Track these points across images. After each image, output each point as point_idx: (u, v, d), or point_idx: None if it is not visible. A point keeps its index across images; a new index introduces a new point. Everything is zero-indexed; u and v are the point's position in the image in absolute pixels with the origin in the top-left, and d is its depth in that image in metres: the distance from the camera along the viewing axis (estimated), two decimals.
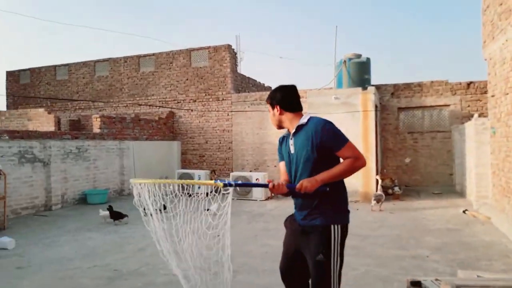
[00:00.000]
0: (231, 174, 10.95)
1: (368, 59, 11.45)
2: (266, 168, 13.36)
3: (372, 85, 10.98)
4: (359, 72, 11.28)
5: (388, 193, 11.06)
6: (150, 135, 13.45)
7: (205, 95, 14.28)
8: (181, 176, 11.42)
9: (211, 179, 11.36)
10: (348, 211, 2.70)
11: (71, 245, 6.20)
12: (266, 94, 13.54)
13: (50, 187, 9.20)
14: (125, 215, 7.76)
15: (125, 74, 15.48)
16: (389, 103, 12.58)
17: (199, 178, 11.13)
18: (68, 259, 5.45)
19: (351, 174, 2.56)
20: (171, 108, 14.53)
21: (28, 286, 4.42)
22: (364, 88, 10.40)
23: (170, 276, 4.69)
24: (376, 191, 9.43)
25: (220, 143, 14.17)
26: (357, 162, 2.54)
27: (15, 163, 8.48)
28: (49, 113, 12.35)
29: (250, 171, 13.36)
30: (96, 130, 11.17)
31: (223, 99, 14.04)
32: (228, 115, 13.98)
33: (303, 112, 2.80)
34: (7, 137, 8.38)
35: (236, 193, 10.71)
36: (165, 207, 3.13)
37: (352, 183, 10.12)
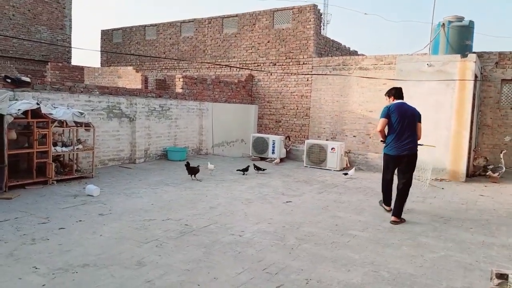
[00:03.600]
0: (306, 141, 10.67)
1: (471, 22, 10.10)
2: (344, 137, 12.82)
3: (473, 53, 9.73)
4: (459, 37, 10.02)
5: (480, 174, 9.99)
6: (229, 98, 13.57)
7: (286, 58, 13.91)
8: (256, 141, 11.42)
9: (285, 145, 11.22)
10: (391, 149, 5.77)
11: (150, 197, 6.52)
12: (350, 58, 12.79)
13: (134, 142, 9.77)
14: (198, 166, 8.09)
15: (208, 35, 15.63)
16: (492, 74, 11.13)
17: (274, 143, 11.03)
18: (145, 210, 5.73)
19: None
20: (251, 69, 14.44)
21: (107, 232, 4.72)
22: (464, 56, 9.24)
23: (236, 237, 4.70)
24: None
25: (297, 109, 13.85)
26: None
27: (104, 117, 9.08)
28: (137, 71, 13.00)
29: (327, 139, 12.93)
30: (179, 90, 11.51)
31: (303, 63, 13.56)
32: (307, 80, 13.52)
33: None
34: (97, 92, 8.95)
35: (310, 160, 10.46)
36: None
37: (440, 160, 9.29)
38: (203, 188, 7.34)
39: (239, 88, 14.08)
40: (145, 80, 12.65)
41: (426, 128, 9.64)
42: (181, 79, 11.51)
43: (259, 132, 14.57)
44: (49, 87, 8.00)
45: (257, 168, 9.05)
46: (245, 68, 14.45)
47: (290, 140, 11.64)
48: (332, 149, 10.17)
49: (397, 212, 5.63)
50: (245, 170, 8.90)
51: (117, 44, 18.43)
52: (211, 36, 15.57)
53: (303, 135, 13.67)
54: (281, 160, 11.18)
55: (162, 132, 10.69)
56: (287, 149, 11.43)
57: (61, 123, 7.38)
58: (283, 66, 14.01)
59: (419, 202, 7.03)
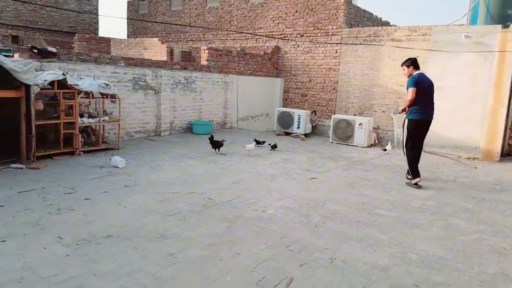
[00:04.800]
0: (332, 116, 10.39)
1: None
2: (372, 113, 12.44)
3: None
4: (501, 6, 9.34)
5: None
6: (254, 71, 13.32)
7: (314, 29, 13.44)
8: (281, 115, 11.22)
9: (311, 120, 10.99)
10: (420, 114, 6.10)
11: (174, 170, 6.52)
12: (382, 29, 12.22)
13: (160, 114, 9.77)
14: (223, 140, 7.99)
15: (234, 5, 15.26)
16: None
17: (299, 118, 10.81)
18: (169, 183, 5.73)
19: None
20: (277, 38, 14.07)
21: (132, 203, 4.73)
22: (505, 26, 8.63)
23: (259, 212, 4.63)
24: None
25: (324, 82, 13.49)
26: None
27: (129, 89, 9.08)
28: (162, 43, 12.89)
29: (354, 115, 12.58)
30: (204, 62, 11.35)
31: (332, 34, 13.08)
32: (336, 52, 13.07)
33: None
34: (123, 64, 8.92)
35: (336, 136, 10.22)
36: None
37: (473, 137, 8.90)
38: (226, 162, 7.28)
39: (265, 61, 13.78)
40: (171, 52, 12.54)
41: (460, 103, 9.24)
42: (206, 51, 11.33)
43: (285, 107, 14.34)
44: (75, 58, 8.01)
45: (274, 146, 8.77)
46: (271, 37, 14.08)
47: (316, 115, 11.39)
48: (360, 124, 9.88)
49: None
50: (274, 147, 8.72)
51: (143, 15, 18.30)
52: (237, 6, 15.20)
53: (330, 110, 13.35)
54: (307, 135, 10.99)
55: (187, 105, 10.64)
56: (313, 124, 11.21)
57: (87, 94, 7.42)
58: (310, 37, 13.57)
59: (450, 181, 6.75)
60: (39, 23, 17.52)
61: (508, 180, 7.02)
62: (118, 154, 7.18)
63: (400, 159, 8.39)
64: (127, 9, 18.93)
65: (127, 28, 19.05)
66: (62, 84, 6.85)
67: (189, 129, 10.69)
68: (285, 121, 11.13)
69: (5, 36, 16.24)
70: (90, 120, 7.43)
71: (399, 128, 7.25)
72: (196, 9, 16.42)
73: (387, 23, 15.43)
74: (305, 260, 3.46)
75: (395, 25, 12.48)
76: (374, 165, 7.75)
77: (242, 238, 3.87)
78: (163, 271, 3.14)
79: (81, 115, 7.56)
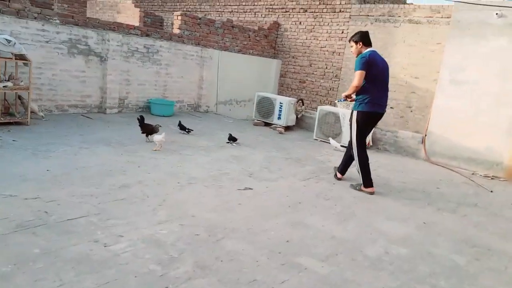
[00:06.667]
0: (319, 108, 8.34)
1: None
2: None
3: None
4: None
5: None
6: (244, 47, 11.36)
7: (319, 3, 11.31)
8: (260, 101, 9.26)
9: (296, 110, 9.00)
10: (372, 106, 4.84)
11: (61, 160, 4.76)
12: (398, 7, 9.97)
13: (106, 87, 8.03)
14: (157, 125, 6.18)
15: None
16: None
17: (280, 107, 8.83)
18: (27, 179, 4.01)
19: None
20: (278, 13, 12.03)
21: None
22: None
23: (97, 246, 2.78)
24: None
25: (326, 68, 11.38)
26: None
27: (64, 52, 7.37)
28: (136, 6, 11.13)
29: None
30: (175, 30, 9.50)
31: (340, 11, 10.92)
32: (342, 32, 10.92)
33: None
34: (57, 21, 7.20)
35: (321, 132, 8.20)
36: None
37: (495, 149, 6.75)
38: (149, 155, 5.48)
39: (260, 38, 11.78)
40: (144, 17, 10.76)
41: (482, 103, 7.02)
42: (180, 17, 9.45)
43: (280, 93, 12.36)
44: None
45: (232, 139, 6.85)
46: (271, 10, 12.04)
47: (303, 105, 9.36)
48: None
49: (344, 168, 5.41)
50: (232, 139, 6.83)
51: None
52: None
53: (330, 101, 11.26)
54: (289, 128, 9.01)
55: (146, 79, 8.86)
56: (298, 116, 9.20)
57: None
58: (315, 13, 11.45)
59: (448, 210, 4.68)
60: None
61: None
62: (22, 131, 5.57)
63: (392, 169, 6.33)
64: None
65: None
66: None
67: (148, 108, 8.92)
68: (265, 109, 9.17)
69: None
70: None
71: (345, 121, 5.44)
72: None
73: (403, 1, 13.04)
74: None
75: (413, 4, 10.18)
76: (352, 177, 5.76)
77: None
78: None
79: None
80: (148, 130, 6.13)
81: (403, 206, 4.65)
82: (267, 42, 12.06)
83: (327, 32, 11.25)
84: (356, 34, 4.97)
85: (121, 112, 8.43)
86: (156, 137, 5.84)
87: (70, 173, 4.32)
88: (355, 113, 4.95)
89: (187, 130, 7.12)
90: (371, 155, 7.44)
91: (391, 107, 10.13)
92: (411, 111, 9.96)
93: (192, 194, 4.18)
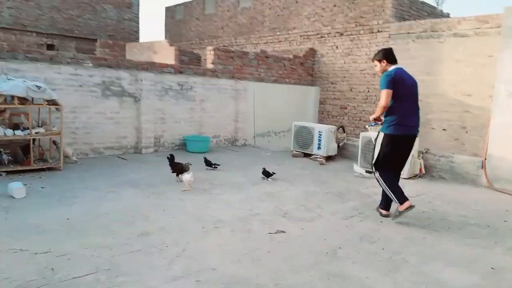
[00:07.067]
0: (361, 135, 7.72)
1: None
2: (429, 131, 9.47)
3: None
4: None
5: None
6: (280, 77, 11.07)
7: (355, 25, 10.87)
8: (298, 131, 8.81)
9: (337, 138, 8.45)
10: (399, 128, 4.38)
11: (83, 206, 4.57)
12: (441, 21, 9.30)
13: (140, 127, 7.98)
14: (187, 164, 5.91)
15: (267, 3, 13.23)
16: None
17: (320, 136, 8.31)
18: (40, 230, 3.79)
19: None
20: (314, 39, 11.71)
21: None
22: None
23: None
24: None
25: (368, 91, 10.78)
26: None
27: (98, 95, 7.43)
28: (170, 45, 11.29)
29: None
30: (209, 65, 9.43)
31: (378, 31, 10.40)
32: None
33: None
34: (90, 64, 7.31)
35: (366, 161, 7.54)
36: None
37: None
38: (177, 196, 5.16)
39: (296, 65, 11.48)
40: (179, 55, 10.86)
41: None
42: (212, 52, 9.39)
43: (321, 121, 11.87)
44: (22, 56, 6.54)
45: (266, 174, 6.41)
46: (306, 37, 11.74)
47: (344, 132, 8.76)
48: None
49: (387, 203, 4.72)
50: (266, 174, 6.39)
51: (179, 21, 17.08)
52: (269, 4, 13.14)
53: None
54: (330, 158, 8.43)
55: (181, 117, 8.75)
56: (340, 144, 8.61)
57: (23, 100, 5.84)
58: (351, 36, 11.01)
59: (460, 267, 3.88)
60: (76, 32, 17.11)
61: None
62: (51, 177, 5.52)
63: (451, 201, 5.56)
64: (165, 15, 17.91)
65: (165, 35, 17.98)
66: None
67: (184, 145, 8.76)
68: (303, 139, 8.70)
69: (40, 45, 15.96)
70: (16, 132, 5.80)
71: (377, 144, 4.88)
72: (228, 11, 14.70)
73: (446, 15, 12.24)
74: None
75: (457, 17, 9.45)
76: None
77: None
78: None
79: (15, 126, 6.02)
80: (178, 169, 5.87)
81: (464, 247, 3.93)
82: (304, 69, 11.72)
83: (366, 54, 10.72)
84: (379, 52, 4.67)
85: (157, 151, 8.32)
86: (185, 176, 5.55)
87: (89, 222, 4.07)
88: (381, 135, 4.55)
89: (213, 166, 6.81)
90: (425, 184, 6.71)
91: (444, 129, 9.29)
92: (466, 132, 9.04)
93: (216, 241, 3.75)
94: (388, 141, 4.47)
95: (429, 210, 5.17)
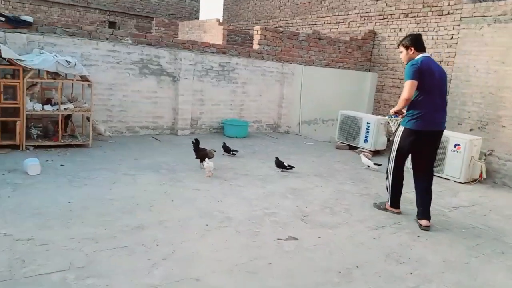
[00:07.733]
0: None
1: None
2: (499, 129, 8.26)
3: None
4: None
5: None
6: (333, 61, 10.25)
7: (423, 6, 9.70)
8: (344, 121, 8.05)
9: (388, 132, 7.62)
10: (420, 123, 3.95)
11: (98, 188, 4.39)
12: None
13: (178, 108, 7.74)
14: (212, 150, 5.55)
15: None
16: None
17: (367, 127, 7.51)
18: (38, 213, 3.63)
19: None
20: (375, 21, 10.69)
21: None
22: None
23: None
24: None
25: None
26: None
27: (135, 73, 7.26)
28: (220, 24, 10.87)
29: (470, 129, 8.59)
30: (255, 46, 8.91)
31: (448, 13, 9.17)
32: (451, 38, 9.13)
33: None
34: (129, 41, 7.13)
35: None
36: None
37: None
38: (192, 185, 4.82)
39: (352, 49, 10.57)
40: (227, 35, 10.42)
41: None
42: (259, 32, 8.84)
43: (376, 110, 10.95)
44: (60, 30, 6.50)
45: (280, 165, 5.78)
46: (366, 18, 10.75)
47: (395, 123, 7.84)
48: (455, 146, 6.19)
49: (428, 213, 4.11)
50: (281, 166, 5.82)
51: (237, 0, 16.62)
52: None
53: None
54: (377, 152, 7.63)
55: (221, 99, 8.38)
56: (390, 138, 7.74)
57: (55, 75, 5.81)
58: (417, 18, 9.85)
59: None
60: (137, 9, 17.38)
61: None
62: (75, 154, 5.49)
63: (510, 215, 4.63)
64: None
65: (222, 16, 17.67)
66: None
67: (222, 129, 8.41)
68: (349, 130, 7.94)
69: (102, 22, 16.44)
70: (44, 107, 5.77)
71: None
72: None
73: None
74: None
75: None
76: (446, 220, 4.31)
77: None
78: None
79: (48, 101, 6.02)
80: (202, 155, 5.51)
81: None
82: (361, 53, 10.77)
83: (432, 39, 9.55)
84: (406, 37, 4.23)
85: (193, 133, 8.06)
86: (206, 163, 5.18)
87: (89, 207, 3.84)
88: (401, 128, 4.17)
89: (232, 152, 6.37)
90: (484, 191, 5.75)
91: None
92: None
93: (214, 244, 3.33)
94: (408, 135, 4.09)
95: (481, 225, 4.33)
